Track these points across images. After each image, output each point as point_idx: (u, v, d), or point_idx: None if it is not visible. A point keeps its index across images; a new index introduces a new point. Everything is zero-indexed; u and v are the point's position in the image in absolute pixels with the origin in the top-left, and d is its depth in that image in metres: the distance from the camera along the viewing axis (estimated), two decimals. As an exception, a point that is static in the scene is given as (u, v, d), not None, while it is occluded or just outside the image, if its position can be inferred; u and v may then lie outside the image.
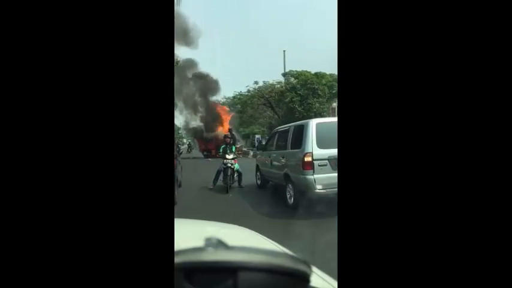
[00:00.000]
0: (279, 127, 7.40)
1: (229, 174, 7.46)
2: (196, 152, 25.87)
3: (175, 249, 0.48)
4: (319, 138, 4.95)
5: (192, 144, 35.40)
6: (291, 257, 0.47)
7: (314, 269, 0.58)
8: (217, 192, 7.36)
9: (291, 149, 5.53)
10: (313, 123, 5.16)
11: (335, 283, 0.74)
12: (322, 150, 4.87)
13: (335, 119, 5.84)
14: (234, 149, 7.96)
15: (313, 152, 4.88)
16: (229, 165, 7.51)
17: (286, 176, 5.54)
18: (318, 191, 4.79)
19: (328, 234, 3.77)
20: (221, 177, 7.71)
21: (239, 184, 7.87)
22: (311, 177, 4.84)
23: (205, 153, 24.26)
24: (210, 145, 24.62)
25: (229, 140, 8.12)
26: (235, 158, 7.73)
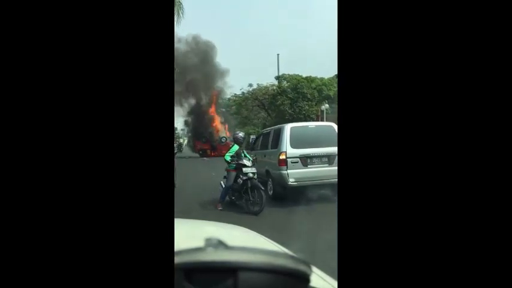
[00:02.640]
0: (264, 130, 8.34)
1: (256, 188, 5.13)
2: (190, 152, 26.53)
3: (175, 249, 0.47)
4: (293, 140, 5.77)
5: (181, 143, 35.95)
6: (291, 257, 0.46)
7: (314, 269, 0.56)
8: (243, 215, 4.99)
9: (271, 148, 6.29)
10: (288, 127, 5.90)
11: (335, 283, 0.72)
12: (294, 149, 5.73)
13: (306, 124, 6.85)
14: (247, 153, 5.65)
15: (287, 151, 5.73)
16: (251, 175, 5.23)
17: (267, 172, 6.36)
18: (290, 183, 5.61)
19: (296, 217, 4.70)
20: (230, 193, 5.50)
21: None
22: (285, 172, 5.56)
23: (200, 152, 25.01)
24: (205, 145, 25.32)
25: (241, 139, 5.80)
26: (254, 164, 5.44)
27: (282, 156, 5.72)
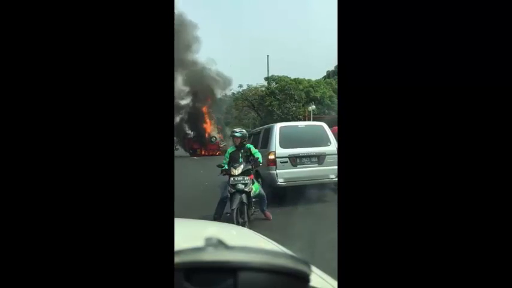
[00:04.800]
0: (254, 129, 8.06)
1: (242, 203, 3.68)
2: (181, 151, 26.23)
3: (175, 249, 0.46)
4: (282, 139, 5.52)
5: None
6: (291, 257, 0.45)
7: (314, 269, 0.54)
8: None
9: (261, 148, 6.05)
10: (277, 127, 5.62)
11: (335, 283, 0.70)
12: (283, 149, 5.46)
13: (296, 123, 6.58)
14: (255, 153, 4.08)
15: (276, 151, 5.50)
16: (241, 186, 3.72)
17: (257, 172, 6.19)
18: (279, 183, 5.37)
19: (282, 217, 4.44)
20: (228, 208, 3.81)
21: (263, 212, 4.22)
22: (274, 172, 5.33)
23: (191, 151, 24.68)
24: (195, 144, 25.03)
25: (240, 139, 4.16)
26: (249, 170, 3.92)
27: (271, 156, 5.45)
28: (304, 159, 5.53)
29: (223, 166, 4.11)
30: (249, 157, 4.15)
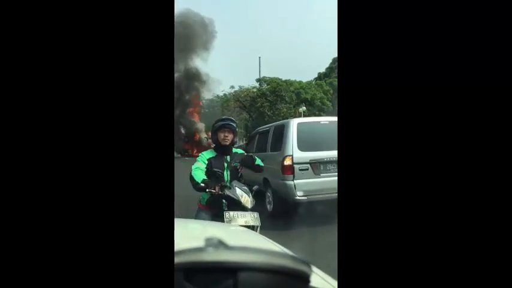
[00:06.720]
0: (260, 127, 6.34)
1: None
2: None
3: (175, 249, 0.46)
4: (300, 140, 4.16)
5: None
6: (292, 257, 0.44)
7: (314, 269, 0.55)
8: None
9: (271, 151, 4.67)
10: (294, 123, 4.38)
11: (335, 283, 0.69)
12: (303, 153, 4.08)
13: (317, 119, 5.09)
14: (257, 162, 2.18)
15: (294, 155, 4.05)
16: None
17: (266, 181, 4.65)
18: (298, 198, 3.99)
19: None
20: None
21: None
22: (291, 182, 4.05)
23: (181, 152, 23.49)
24: (186, 145, 23.82)
25: (229, 140, 2.13)
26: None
27: (287, 162, 4.04)
28: (329, 166, 4.09)
29: (201, 179, 2.04)
30: (239, 170, 2.24)
